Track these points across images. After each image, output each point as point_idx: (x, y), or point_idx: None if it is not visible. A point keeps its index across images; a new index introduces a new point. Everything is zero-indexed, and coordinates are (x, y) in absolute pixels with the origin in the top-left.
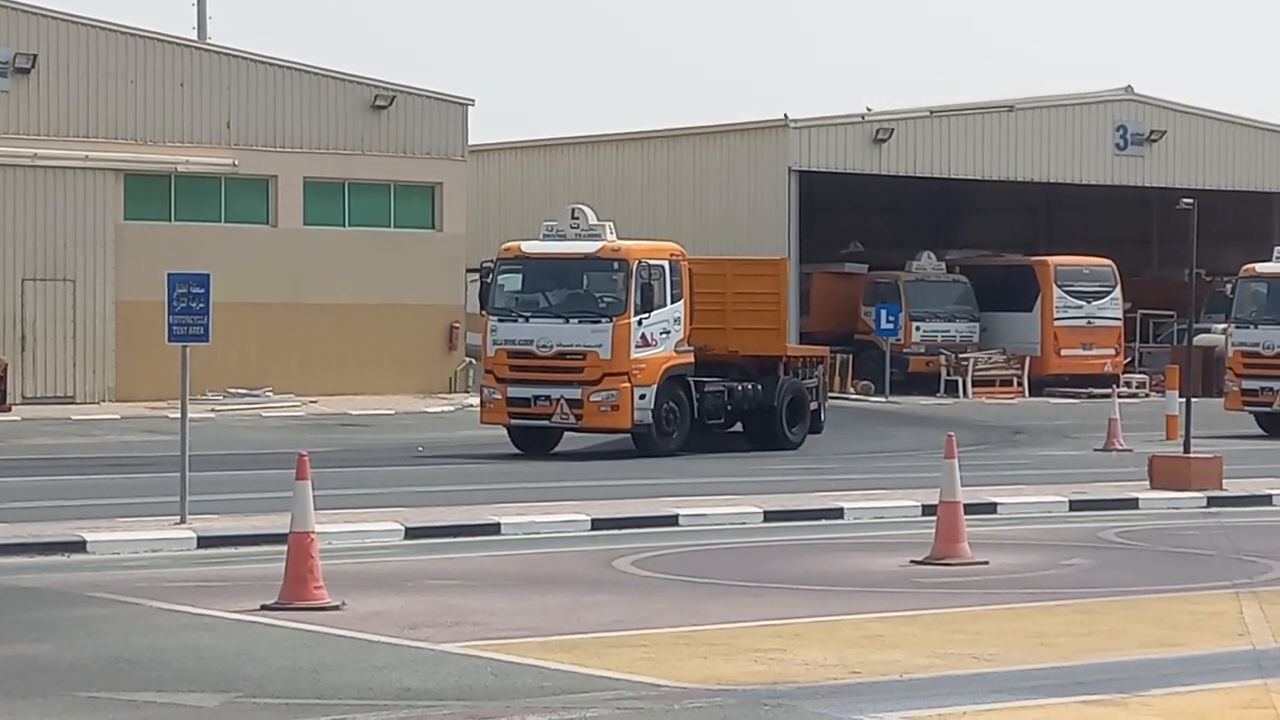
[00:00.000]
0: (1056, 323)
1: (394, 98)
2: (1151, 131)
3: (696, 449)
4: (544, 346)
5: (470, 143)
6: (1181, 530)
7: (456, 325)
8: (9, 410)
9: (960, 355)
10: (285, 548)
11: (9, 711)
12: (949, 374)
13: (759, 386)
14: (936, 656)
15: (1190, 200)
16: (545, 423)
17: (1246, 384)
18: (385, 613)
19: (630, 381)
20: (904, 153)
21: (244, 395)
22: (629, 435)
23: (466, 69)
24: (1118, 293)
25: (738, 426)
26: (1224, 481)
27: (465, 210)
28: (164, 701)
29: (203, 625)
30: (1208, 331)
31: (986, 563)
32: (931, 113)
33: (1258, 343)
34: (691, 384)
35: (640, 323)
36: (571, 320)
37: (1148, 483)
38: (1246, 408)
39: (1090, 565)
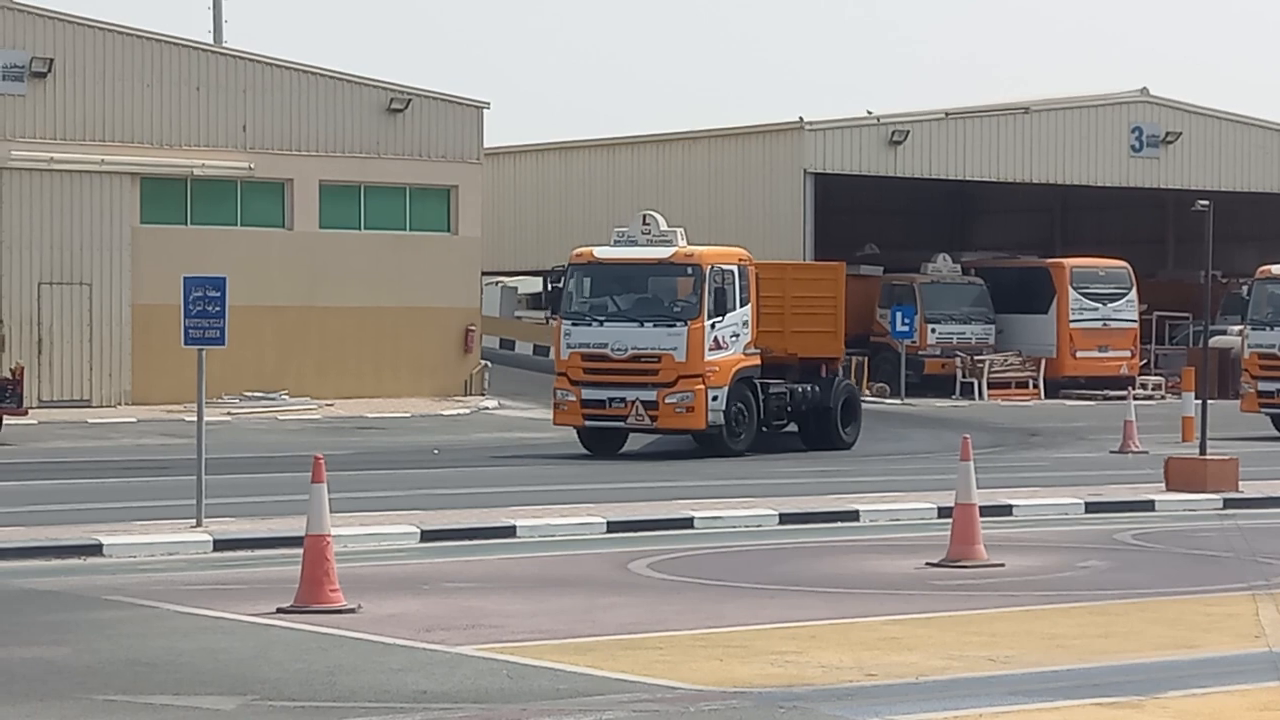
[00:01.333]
0: (1072, 325)
1: (409, 101)
2: (1167, 133)
3: (758, 449)
4: (619, 349)
5: (486, 145)
6: (1197, 532)
7: (472, 328)
8: (26, 414)
9: (976, 357)
10: (301, 550)
11: (27, 713)
12: (964, 376)
13: (816, 388)
14: (952, 658)
15: (1206, 202)
16: (620, 424)
17: (1263, 386)
18: (401, 615)
19: (704, 383)
20: (919, 155)
21: (260, 398)
22: (690, 436)
23: (482, 72)
24: (1133, 294)
25: (791, 427)
26: (1240, 483)
27: (481, 213)
28: (181, 704)
29: (219, 628)
30: (1223, 333)
31: (1002, 565)
32: (947, 115)
33: (1273, 344)
34: (758, 386)
35: (713, 326)
36: (646, 324)
37: (1164, 485)
38: (1263, 409)
39: (1106, 567)
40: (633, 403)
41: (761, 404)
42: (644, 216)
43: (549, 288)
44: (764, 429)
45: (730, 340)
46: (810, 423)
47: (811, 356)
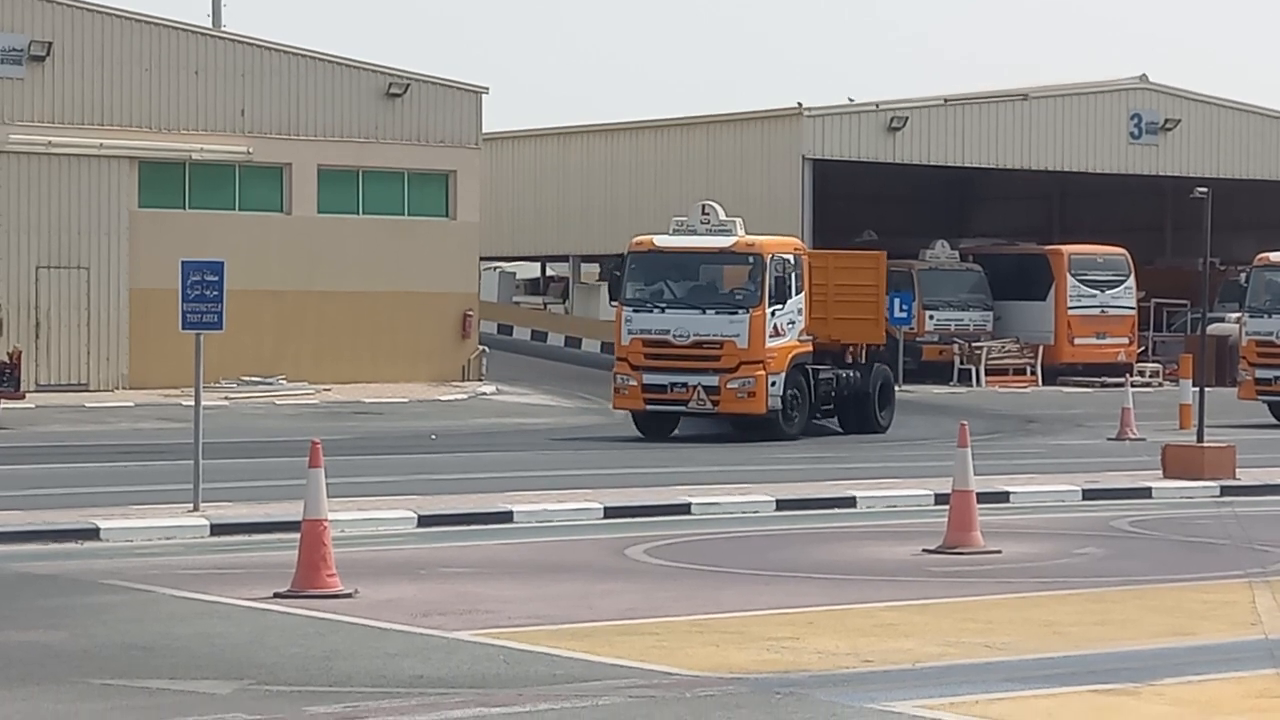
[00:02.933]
0: (1070, 311)
1: (408, 86)
2: (1166, 120)
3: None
4: (680, 336)
5: (484, 131)
6: (1194, 519)
7: (470, 313)
8: (23, 397)
9: (974, 344)
10: (298, 535)
11: (24, 697)
12: (962, 363)
13: (856, 374)
14: (949, 645)
15: (1205, 189)
16: (682, 408)
17: (1260, 373)
18: (398, 600)
19: (765, 369)
20: (918, 141)
21: (258, 383)
22: (730, 421)
23: (480, 57)
24: (1131, 282)
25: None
26: (1237, 471)
27: (479, 198)
28: (177, 689)
29: (216, 613)
30: (1222, 321)
31: (999, 551)
32: (946, 101)
33: (1271, 332)
34: (810, 372)
35: (773, 314)
36: (708, 311)
37: (1161, 472)
38: (1260, 397)
39: (1103, 554)
40: (694, 388)
41: (812, 389)
42: (703, 206)
43: (611, 276)
44: (814, 415)
45: (787, 327)
46: (849, 408)
47: (854, 343)
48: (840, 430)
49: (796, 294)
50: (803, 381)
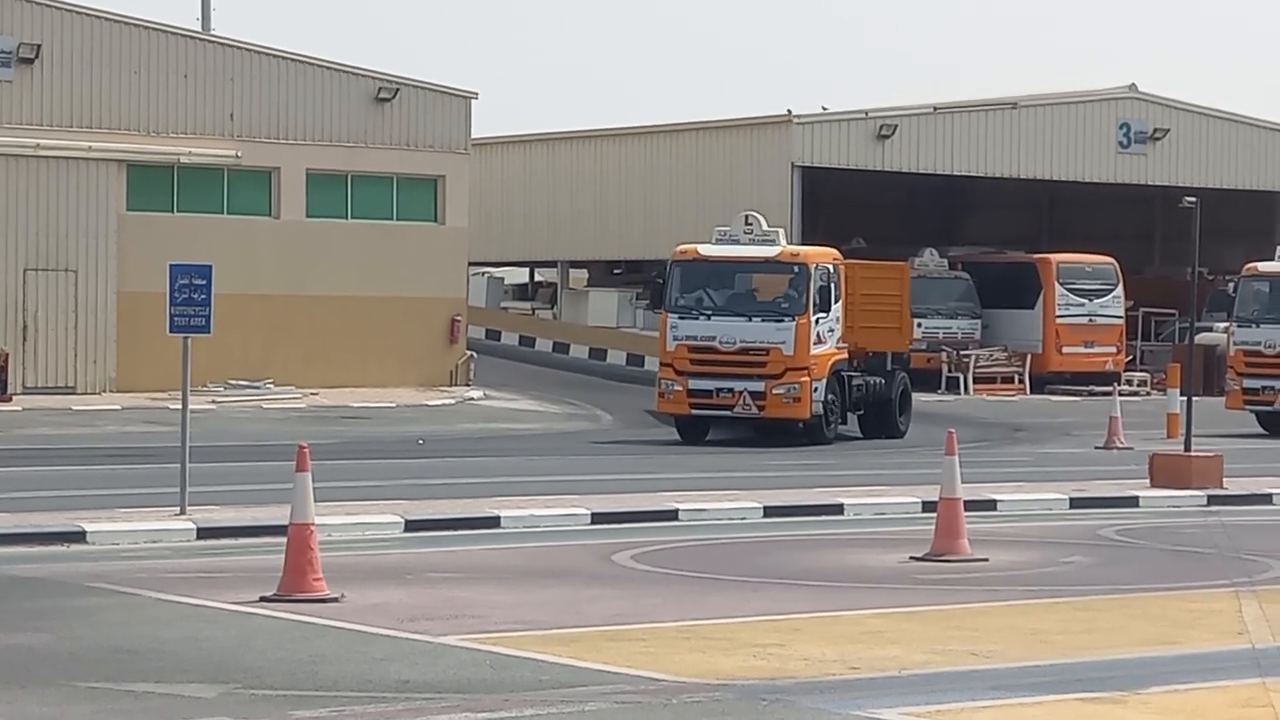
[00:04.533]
0: (1058, 320)
1: (397, 90)
2: (1155, 129)
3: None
4: (726, 342)
5: (473, 136)
6: (1181, 528)
7: (458, 318)
8: (10, 400)
9: (962, 352)
10: (285, 539)
11: (9, 700)
12: (950, 370)
13: (880, 380)
14: (935, 653)
15: (1193, 199)
16: (728, 413)
17: (1248, 383)
18: (384, 605)
19: (809, 375)
20: (907, 149)
21: (245, 387)
22: (752, 427)
23: (470, 62)
24: (1119, 290)
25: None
26: (1224, 480)
27: (468, 203)
28: (163, 692)
29: (202, 616)
30: (1209, 330)
31: (986, 560)
32: (935, 109)
33: (1259, 341)
34: (846, 378)
35: (817, 321)
36: (754, 319)
37: (1148, 481)
38: (1248, 406)
39: (1090, 563)
40: (740, 393)
41: (847, 395)
42: (746, 216)
43: (655, 284)
44: (843, 420)
45: (828, 335)
46: (871, 413)
47: (879, 351)
48: (860, 435)
49: (836, 302)
50: (839, 387)
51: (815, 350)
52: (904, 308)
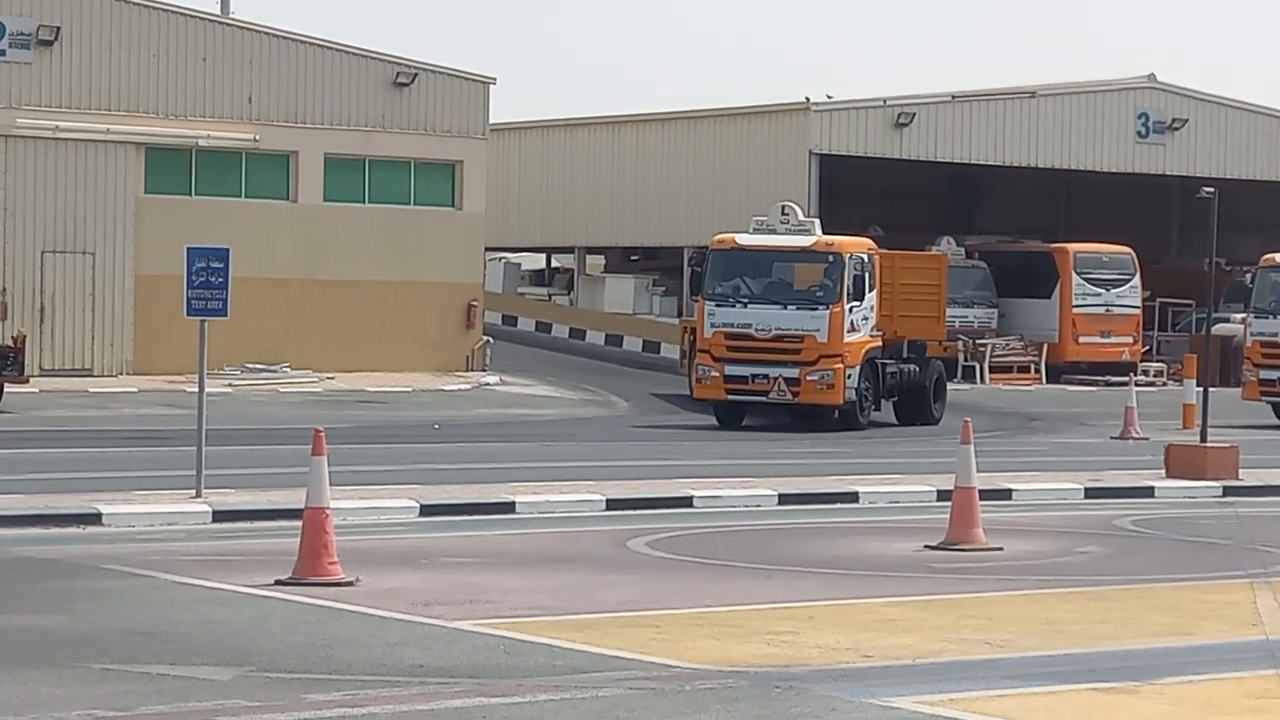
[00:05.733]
0: (1075, 310)
1: (415, 75)
2: (1173, 120)
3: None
4: (762, 330)
5: (491, 121)
6: (1197, 519)
7: (475, 304)
8: (27, 382)
9: (978, 341)
10: (300, 523)
11: (24, 681)
12: (966, 359)
13: (916, 368)
14: (949, 641)
15: (1211, 189)
16: (763, 399)
17: (1264, 374)
18: (399, 589)
19: (843, 363)
20: (925, 138)
21: (262, 370)
22: (788, 412)
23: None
24: (1136, 281)
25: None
26: (1240, 471)
27: (485, 188)
28: (177, 674)
29: (217, 599)
30: (1226, 321)
31: (1001, 549)
32: (953, 98)
33: (1276, 332)
34: (880, 365)
35: (851, 310)
36: (789, 306)
37: (1164, 471)
38: (1264, 398)
39: (1105, 553)
40: (775, 379)
41: (881, 382)
42: (783, 207)
43: (693, 271)
44: (876, 407)
45: (861, 323)
46: (906, 400)
47: (915, 339)
48: (895, 421)
49: (870, 291)
50: (873, 374)
51: (849, 338)
52: (941, 297)
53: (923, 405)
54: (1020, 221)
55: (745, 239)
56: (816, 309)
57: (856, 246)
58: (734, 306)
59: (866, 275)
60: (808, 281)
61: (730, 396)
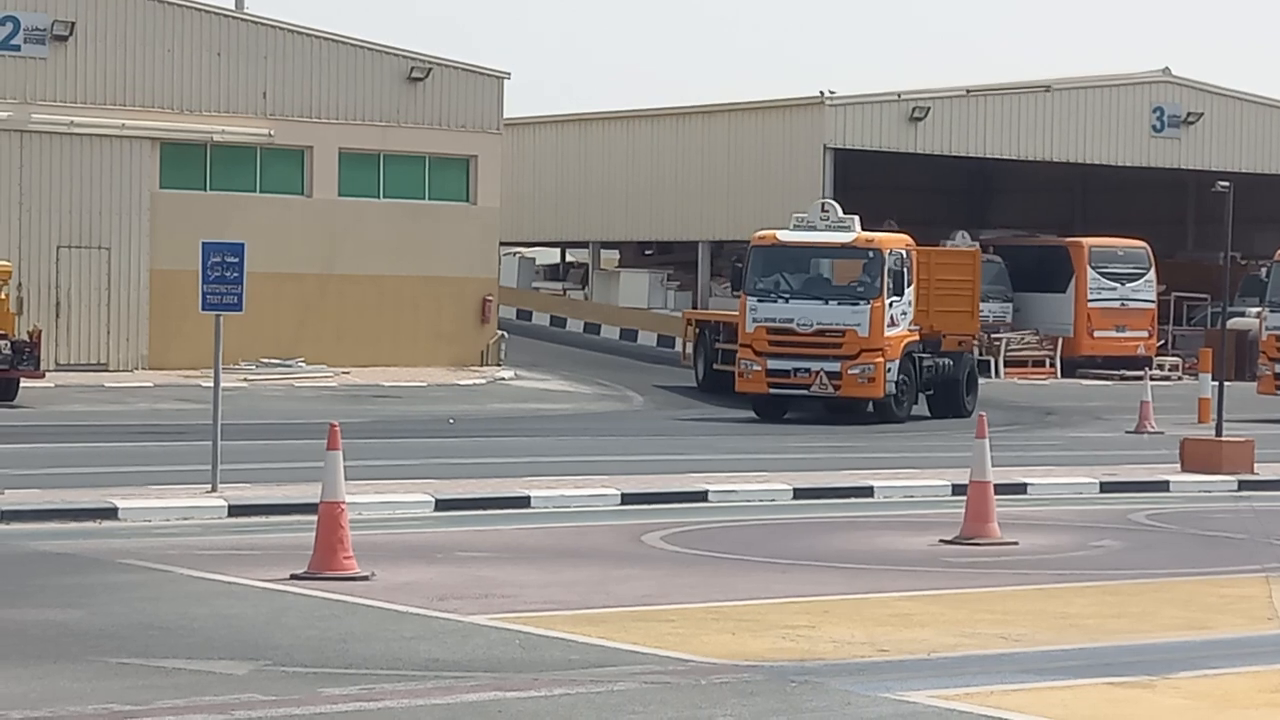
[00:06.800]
0: (1090, 304)
1: (430, 70)
2: (1189, 113)
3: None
4: (804, 324)
5: (505, 116)
6: (1212, 513)
7: (490, 298)
8: (43, 376)
9: (993, 335)
10: (315, 517)
11: (40, 675)
12: (981, 354)
13: (950, 362)
14: (964, 636)
15: (1226, 183)
16: (805, 392)
17: None
18: (414, 584)
19: (883, 357)
20: (940, 132)
21: (277, 365)
22: (823, 403)
23: (502, 42)
24: (1152, 275)
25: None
26: (1256, 465)
27: (500, 183)
28: (194, 668)
29: (233, 593)
30: (1242, 315)
31: (1016, 543)
32: (968, 92)
33: None
34: (917, 359)
35: (890, 305)
36: (830, 302)
37: (1179, 465)
38: (1279, 392)
39: (1120, 547)
40: (817, 373)
41: (918, 375)
42: (822, 205)
43: (733, 268)
44: (914, 400)
45: (900, 318)
46: (940, 393)
47: (950, 333)
48: (929, 415)
49: (909, 286)
50: (911, 369)
51: (889, 332)
52: (975, 293)
53: (955, 398)
54: (1035, 216)
55: (786, 235)
56: (858, 304)
57: (895, 243)
58: (775, 302)
59: (905, 271)
60: (847, 277)
61: (773, 390)
